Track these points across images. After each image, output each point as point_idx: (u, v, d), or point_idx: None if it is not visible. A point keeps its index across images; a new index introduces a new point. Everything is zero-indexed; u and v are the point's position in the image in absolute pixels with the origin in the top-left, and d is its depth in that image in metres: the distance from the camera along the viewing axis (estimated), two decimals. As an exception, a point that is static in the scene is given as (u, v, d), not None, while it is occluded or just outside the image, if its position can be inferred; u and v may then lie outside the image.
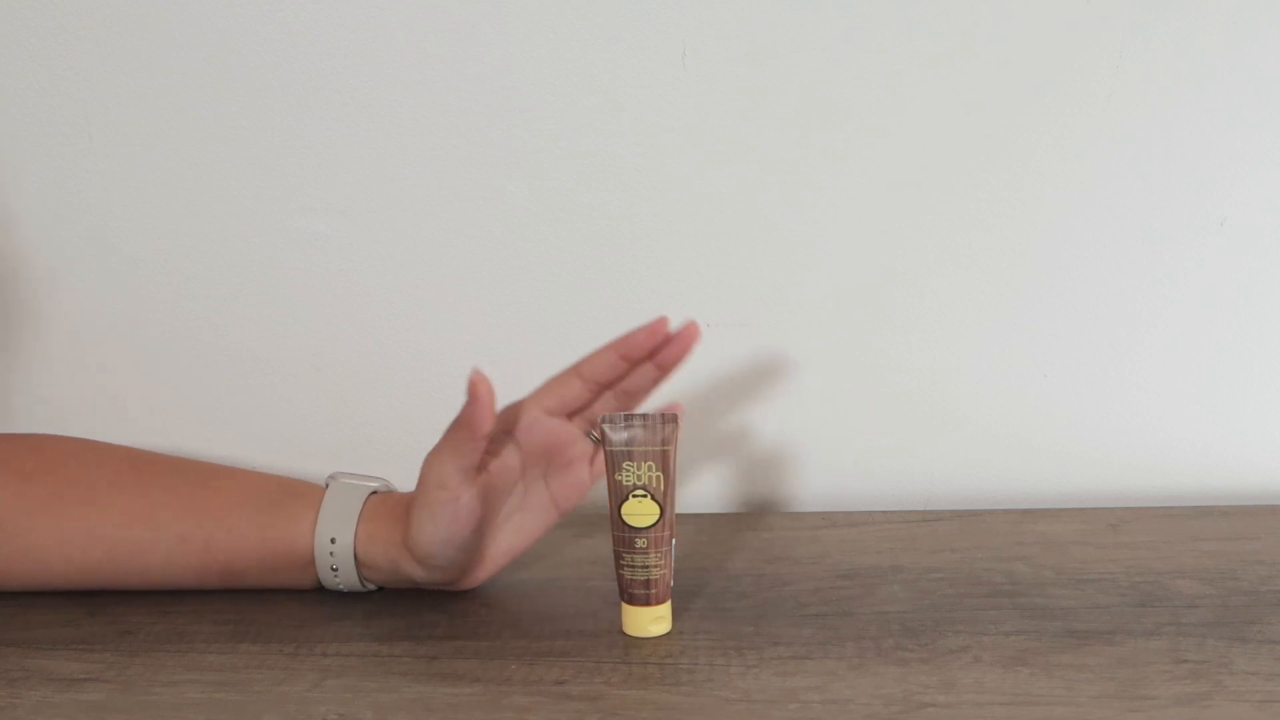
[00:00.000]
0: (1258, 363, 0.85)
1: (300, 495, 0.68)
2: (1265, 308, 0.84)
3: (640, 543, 0.63)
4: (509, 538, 0.68)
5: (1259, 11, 0.78)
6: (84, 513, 0.67)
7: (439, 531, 0.63)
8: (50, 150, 0.80)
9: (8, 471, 0.67)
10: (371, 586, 0.69)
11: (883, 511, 0.83)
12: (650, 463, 0.62)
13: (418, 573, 0.66)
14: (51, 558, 0.67)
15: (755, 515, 0.85)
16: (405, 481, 0.71)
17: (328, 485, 0.69)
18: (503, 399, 0.64)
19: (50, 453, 0.70)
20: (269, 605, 0.68)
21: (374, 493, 0.68)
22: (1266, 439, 0.87)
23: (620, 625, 0.65)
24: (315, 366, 0.85)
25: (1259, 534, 0.77)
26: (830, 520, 0.81)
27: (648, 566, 0.63)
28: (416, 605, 0.68)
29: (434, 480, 0.62)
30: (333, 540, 0.66)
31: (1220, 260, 0.83)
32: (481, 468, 0.63)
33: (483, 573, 0.68)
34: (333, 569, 0.67)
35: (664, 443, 0.62)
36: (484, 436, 0.61)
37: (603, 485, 0.66)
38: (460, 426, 0.61)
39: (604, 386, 0.66)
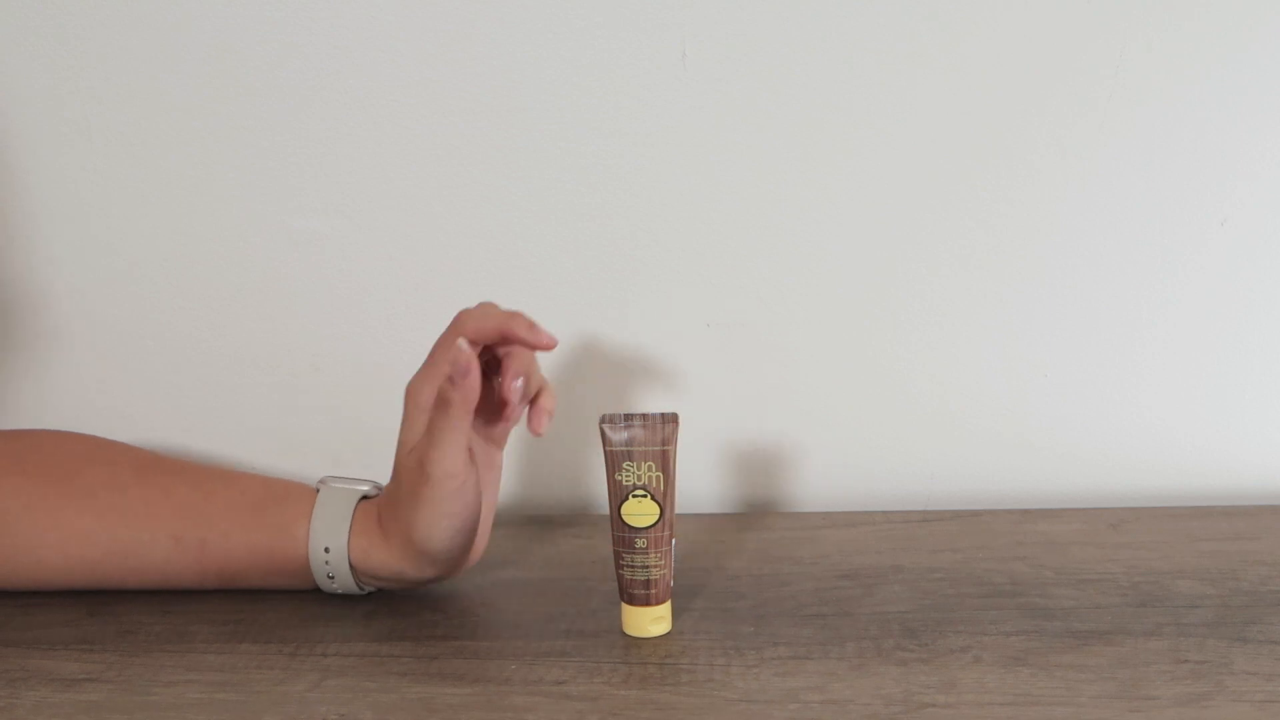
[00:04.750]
0: (1258, 363, 0.85)
1: (292, 502, 0.67)
2: (1266, 308, 0.84)
3: (640, 543, 0.63)
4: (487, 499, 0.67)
5: (1259, 12, 0.78)
6: (81, 511, 0.67)
7: (453, 522, 0.62)
8: (50, 150, 0.80)
9: (7, 468, 0.68)
10: (370, 588, 0.68)
11: (883, 511, 0.83)
12: (650, 463, 0.62)
13: (425, 573, 0.65)
14: (49, 555, 0.67)
15: (755, 515, 0.85)
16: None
17: (318, 490, 0.68)
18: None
19: (50, 450, 0.70)
20: (269, 605, 0.68)
21: (365, 497, 0.68)
22: (1266, 439, 0.87)
23: (620, 625, 0.65)
24: (315, 366, 0.85)
25: (1259, 534, 0.77)
26: (830, 520, 0.81)
27: (648, 566, 0.63)
28: (416, 605, 0.68)
29: (442, 471, 0.60)
30: (327, 550, 0.66)
31: (1220, 260, 0.83)
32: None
33: (476, 550, 0.68)
34: (329, 576, 0.67)
35: (664, 443, 0.62)
36: (473, 408, 0.60)
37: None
38: (454, 405, 0.59)
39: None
